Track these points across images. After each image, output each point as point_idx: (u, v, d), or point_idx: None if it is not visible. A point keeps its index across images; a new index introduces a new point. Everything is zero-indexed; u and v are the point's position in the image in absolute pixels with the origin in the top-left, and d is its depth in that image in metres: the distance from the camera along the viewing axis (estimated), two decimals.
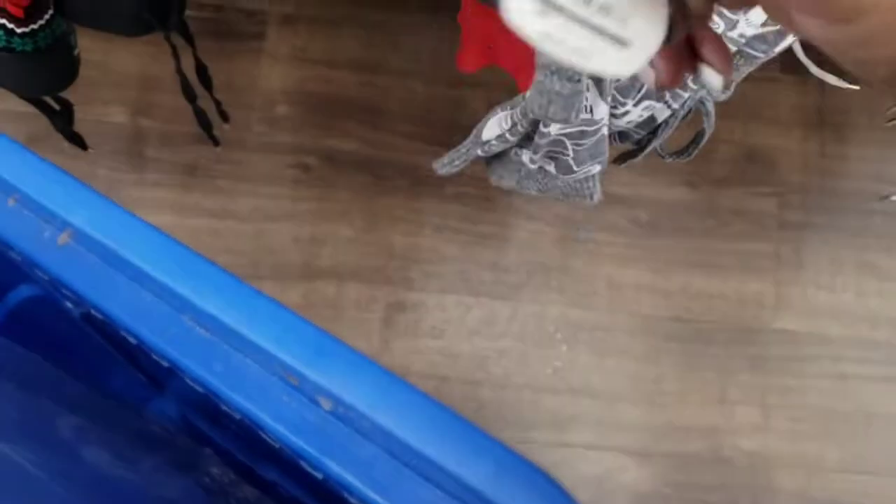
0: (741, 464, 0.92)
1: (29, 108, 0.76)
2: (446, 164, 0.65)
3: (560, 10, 0.25)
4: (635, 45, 0.26)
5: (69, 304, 0.44)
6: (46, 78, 0.71)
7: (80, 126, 0.82)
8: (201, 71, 0.78)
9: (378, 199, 0.98)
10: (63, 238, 0.36)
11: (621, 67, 0.26)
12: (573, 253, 0.97)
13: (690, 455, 0.92)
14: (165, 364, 0.35)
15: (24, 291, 0.47)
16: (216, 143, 0.92)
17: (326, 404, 0.31)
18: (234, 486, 0.45)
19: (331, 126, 1.00)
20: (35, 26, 0.64)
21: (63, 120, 0.79)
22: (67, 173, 0.37)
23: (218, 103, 0.83)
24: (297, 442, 0.31)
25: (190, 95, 0.76)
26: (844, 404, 0.94)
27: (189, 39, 0.73)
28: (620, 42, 0.26)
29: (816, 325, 0.96)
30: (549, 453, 0.92)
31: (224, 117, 0.87)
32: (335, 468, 0.31)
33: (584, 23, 0.25)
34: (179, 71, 0.73)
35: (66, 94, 0.76)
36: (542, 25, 0.25)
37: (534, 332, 0.95)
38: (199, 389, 0.34)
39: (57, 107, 0.78)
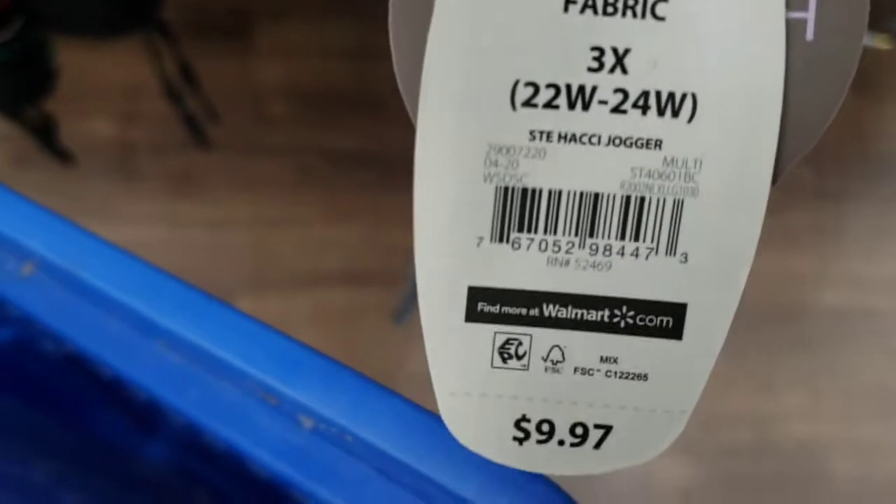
0: (792, 451, 0.87)
1: (14, 130, 0.72)
2: (405, 313, 0.58)
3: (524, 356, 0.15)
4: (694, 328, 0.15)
5: (49, 346, 0.41)
6: (17, 91, 0.67)
7: (67, 141, 0.78)
8: (186, 70, 0.73)
9: (384, 198, 0.93)
10: (27, 268, 0.32)
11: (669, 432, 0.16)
12: None
13: (738, 444, 0.87)
14: (143, 396, 0.32)
15: (1, 335, 0.44)
16: (206, 144, 0.87)
17: (308, 423, 0.28)
18: None
19: (329, 123, 0.95)
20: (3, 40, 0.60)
21: (45, 136, 0.75)
22: (21, 195, 0.34)
23: (206, 102, 0.78)
24: (282, 468, 0.28)
25: (174, 95, 0.71)
26: None
27: (169, 38, 0.68)
28: (670, 328, 0.15)
29: (862, 298, 0.91)
30: None
31: (213, 117, 0.82)
32: (324, 494, 0.28)
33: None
34: (161, 70, 0.68)
35: (50, 109, 0.72)
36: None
37: None
38: (180, 420, 0.32)
39: (38, 123, 0.74)
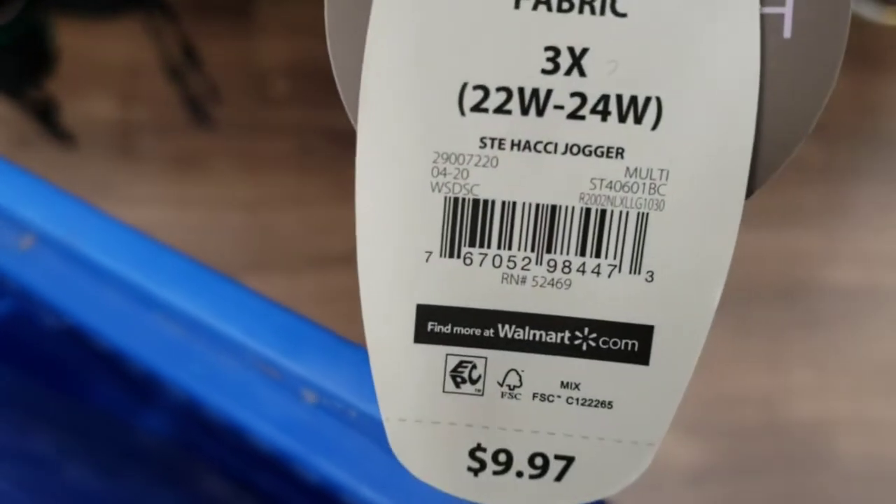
0: (800, 430, 0.86)
1: (15, 113, 0.72)
2: None
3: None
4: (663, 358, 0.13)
5: (47, 319, 0.41)
6: (18, 72, 0.66)
7: (69, 122, 0.77)
8: (187, 49, 0.72)
9: None
10: (26, 242, 0.32)
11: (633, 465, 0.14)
12: None
13: (745, 423, 0.86)
14: (141, 369, 0.32)
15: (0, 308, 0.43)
16: (208, 124, 0.86)
17: (311, 397, 0.28)
18: (232, 499, 0.41)
19: (332, 102, 0.94)
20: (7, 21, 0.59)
21: (46, 118, 0.75)
22: (19, 167, 0.33)
23: (208, 82, 0.78)
24: (285, 442, 0.28)
25: (175, 75, 0.70)
26: None
27: (170, 16, 0.67)
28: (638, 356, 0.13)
29: (870, 275, 0.90)
30: None
31: (215, 97, 0.81)
32: (327, 467, 0.28)
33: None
34: (162, 50, 0.67)
35: (51, 91, 0.71)
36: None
37: None
38: (180, 394, 0.32)
39: (39, 104, 0.73)
